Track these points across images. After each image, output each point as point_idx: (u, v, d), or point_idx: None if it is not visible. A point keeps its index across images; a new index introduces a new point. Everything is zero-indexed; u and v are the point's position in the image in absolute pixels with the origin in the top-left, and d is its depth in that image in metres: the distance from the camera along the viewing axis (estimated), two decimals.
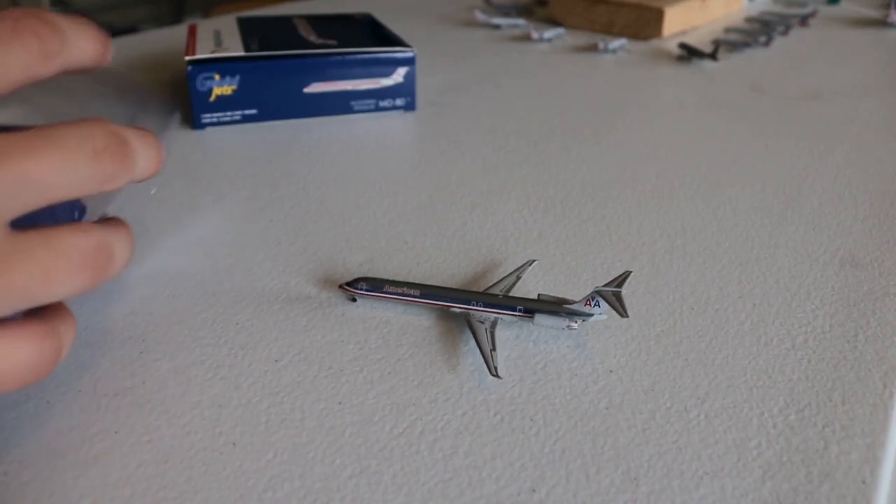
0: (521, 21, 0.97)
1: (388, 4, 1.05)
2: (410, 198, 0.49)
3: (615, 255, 0.42)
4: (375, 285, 0.37)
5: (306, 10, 0.98)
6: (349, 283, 0.37)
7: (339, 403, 0.31)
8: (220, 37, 0.64)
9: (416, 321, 0.36)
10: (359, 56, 0.62)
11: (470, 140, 0.59)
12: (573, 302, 0.35)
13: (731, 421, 0.30)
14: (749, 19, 1.02)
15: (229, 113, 0.60)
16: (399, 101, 0.65)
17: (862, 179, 0.53)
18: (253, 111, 0.61)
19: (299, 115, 0.63)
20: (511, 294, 0.37)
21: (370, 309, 0.37)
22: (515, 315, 0.35)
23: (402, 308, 0.37)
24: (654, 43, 0.90)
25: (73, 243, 0.25)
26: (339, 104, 0.63)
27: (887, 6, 1.08)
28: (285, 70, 0.60)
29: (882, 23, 1.02)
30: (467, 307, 0.36)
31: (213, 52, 0.59)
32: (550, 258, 0.42)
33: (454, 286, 0.39)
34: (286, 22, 0.71)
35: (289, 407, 0.31)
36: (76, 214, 0.43)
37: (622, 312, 0.33)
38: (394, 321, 0.36)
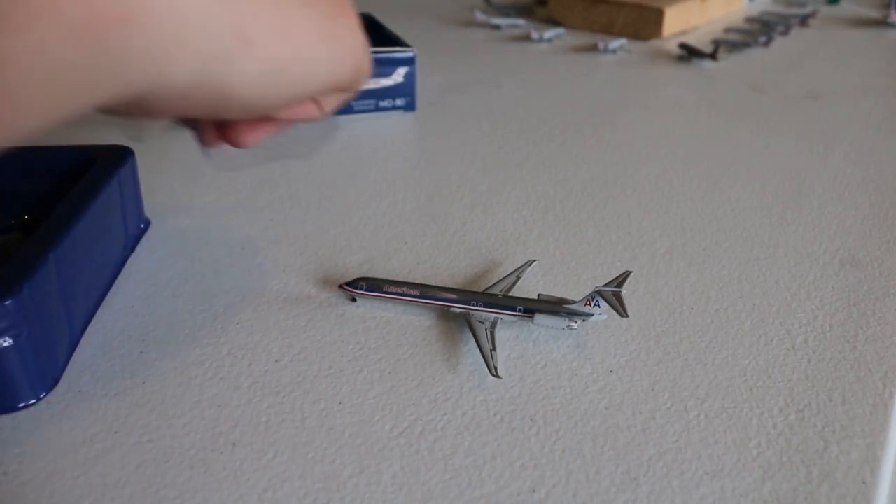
0: (521, 21, 0.97)
1: (388, 4, 1.05)
2: (410, 198, 0.49)
3: (615, 255, 0.42)
4: (375, 285, 0.37)
5: None
6: (349, 283, 0.37)
7: (339, 403, 0.31)
8: None
9: (416, 321, 0.36)
10: None
11: (470, 140, 0.59)
12: (573, 302, 0.35)
13: (731, 421, 0.30)
14: (749, 19, 1.02)
15: None
16: (399, 101, 0.65)
17: (862, 179, 0.53)
18: None
19: None
20: (511, 294, 0.37)
21: (370, 309, 0.37)
22: (515, 315, 0.35)
23: (402, 308, 0.37)
24: (654, 43, 0.90)
25: None
26: None
27: (887, 6, 1.08)
28: None
29: (882, 23, 1.02)
30: (467, 307, 0.35)
31: None
32: (550, 258, 0.42)
33: (454, 286, 0.39)
34: None
35: (289, 407, 0.31)
36: (143, 226, 0.43)
37: (622, 312, 0.33)
38: (394, 321, 0.36)
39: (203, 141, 0.31)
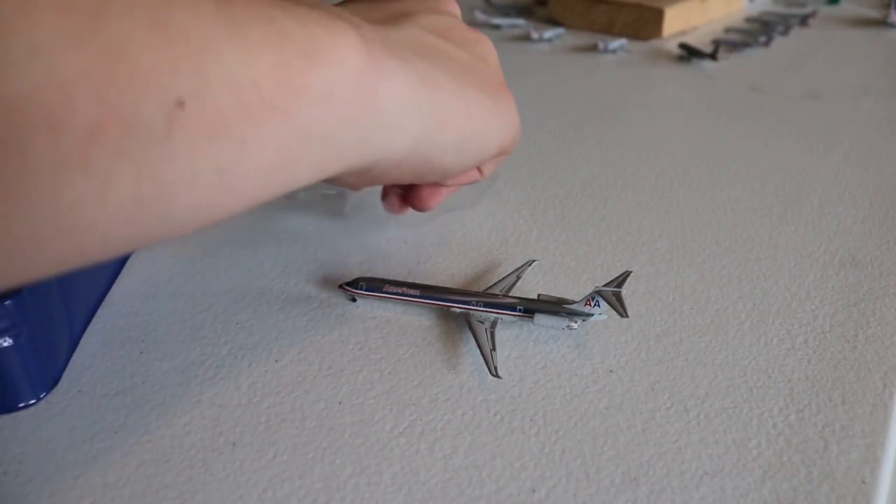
0: (521, 21, 0.97)
1: None
2: None
3: (615, 255, 0.42)
4: (375, 285, 0.37)
5: None
6: (349, 283, 0.37)
7: (339, 403, 0.31)
8: None
9: (416, 321, 0.36)
10: None
11: None
12: (573, 302, 0.35)
13: (731, 421, 0.30)
14: (749, 19, 1.02)
15: None
16: None
17: (862, 179, 0.53)
18: None
19: None
20: (511, 294, 0.37)
21: (370, 309, 0.37)
22: (515, 315, 0.35)
23: (402, 308, 0.37)
24: (654, 43, 0.90)
25: None
26: None
27: (887, 6, 1.08)
28: None
29: (882, 23, 1.02)
30: (467, 307, 0.36)
31: None
32: (550, 258, 0.42)
33: (454, 286, 0.39)
34: None
35: (289, 407, 0.31)
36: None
37: (622, 312, 0.33)
38: (394, 321, 0.36)
39: (392, 208, 0.41)
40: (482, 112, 0.33)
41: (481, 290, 0.38)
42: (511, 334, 0.35)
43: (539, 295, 0.36)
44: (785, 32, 0.96)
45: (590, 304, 0.34)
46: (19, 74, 0.16)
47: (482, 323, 0.35)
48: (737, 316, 0.37)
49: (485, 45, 0.37)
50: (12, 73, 0.16)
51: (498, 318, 0.35)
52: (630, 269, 0.35)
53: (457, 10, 0.39)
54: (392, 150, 0.29)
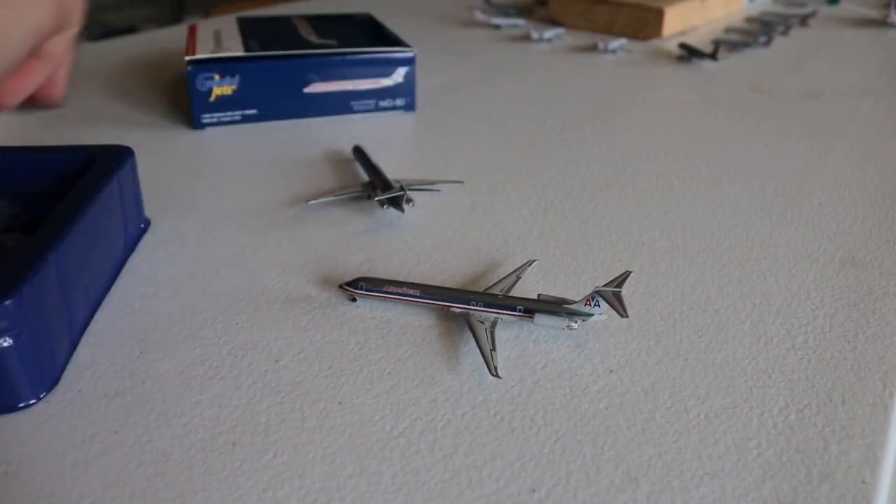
0: (521, 21, 0.97)
1: (388, 4, 1.05)
2: None
3: (615, 255, 0.42)
4: (375, 285, 0.37)
5: (306, 10, 0.98)
6: (349, 283, 0.37)
7: (339, 403, 0.31)
8: (220, 37, 0.64)
9: (416, 321, 0.36)
10: (359, 56, 0.62)
11: (470, 140, 0.59)
12: (573, 302, 0.35)
13: (731, 421, 0.30)
14: (749, 19, 1.02)
15: (229, 113, 0.60)
16: (399, 101, 0.65)
17: (862, 179, 0.53)
18: (253, 111, 0.61)
19: (299, 115, 0.63)
20: (511, 294, 0.37)
21: (370, 309, 0.37)
22: (515, 315, 0.35)
23: (402, 308, 0.37)
24: (654, 43, 0.90)
25: None
26: (340, 104, 0.63)
27: (887, 6, 1.08)
28: (285, 70, 0.60)
29: (882, 23, 1.02)
30: (467, 307, 0.35)
31: (213, 52, 0.59)
32: (550, 258, 0.42)
33: (454, 286, 0.39)
34: (286, 22, 0.71)
35: (289, 407, 0.31)
36: (143, 226, 0.44)
37: (622, 312, 0.33)
38: (394, 321, 0.36)
39: None
40: None
41: (481, 290, 0.37)
42: (511, 334, 0.35)
43: (539, 295, 0.36)
44: (785, 32, 0.96)
45: (590, 304, 0.34)
46: None
47: (482, 323, 0.35)
48: (737, 316, 0.37)
49: None
50: None
51: (498, 318, 0.35)
52: (630, 269, 0.35)
53: None
54: None
